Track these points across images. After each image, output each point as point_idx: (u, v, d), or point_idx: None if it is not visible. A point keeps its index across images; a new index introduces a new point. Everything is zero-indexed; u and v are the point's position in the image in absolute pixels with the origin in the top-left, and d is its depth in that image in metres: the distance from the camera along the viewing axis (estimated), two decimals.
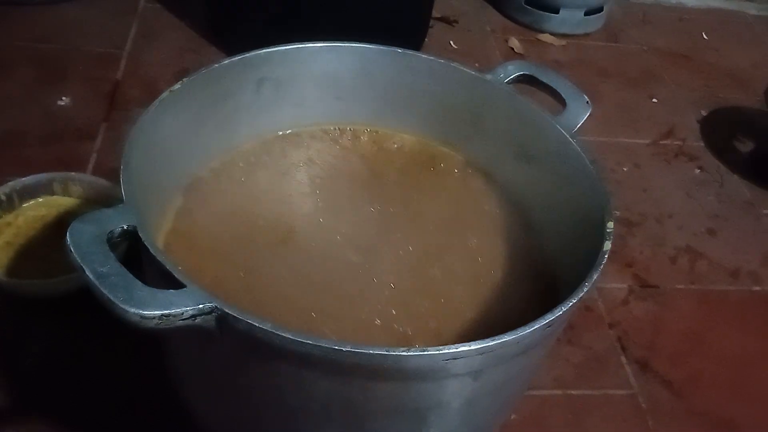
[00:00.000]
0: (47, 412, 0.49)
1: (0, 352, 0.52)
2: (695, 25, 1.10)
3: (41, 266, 0.55)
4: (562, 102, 0.45)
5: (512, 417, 0.54)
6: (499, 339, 0.31)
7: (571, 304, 0.33)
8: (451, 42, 0.94)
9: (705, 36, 1.08)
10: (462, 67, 0.46)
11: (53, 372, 0.52)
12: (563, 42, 0.99)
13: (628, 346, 0.62)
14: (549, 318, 0.32)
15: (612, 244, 0.70)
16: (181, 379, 0.40)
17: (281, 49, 0.44)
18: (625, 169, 0.81)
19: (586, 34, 1.02)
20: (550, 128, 0.44)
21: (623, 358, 0.61)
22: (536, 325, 0.31)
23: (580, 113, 0.44)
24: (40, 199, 0.60)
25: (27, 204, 0.59)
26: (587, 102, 0.45)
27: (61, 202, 0.60)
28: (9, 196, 0.58)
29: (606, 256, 0.36)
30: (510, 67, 0.46)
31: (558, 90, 0.45)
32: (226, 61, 0.42)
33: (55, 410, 0.49)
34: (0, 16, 0.83)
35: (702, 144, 0.86)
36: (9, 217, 0.58)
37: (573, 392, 0.58)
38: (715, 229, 0.75)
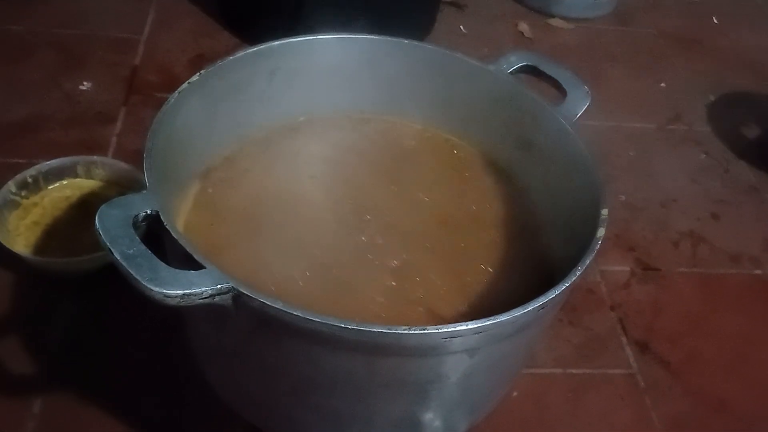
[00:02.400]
0: (73, 383, 0.52)
1: (28, 326, 0.55)
2: (706, 8, 1.10)
3: (66, 245, 0.58)
4: (563, 91, 0.47)
5: (514, 394, 0.57)
6: (494, 319, 0.33)
7: (563, 288, 0.35)
8: (461, 26, 0.96)
9: (715, 20, 1.08)
10: (465, 58, 0.48)
11: (78, 344, 0.55)
12: (572, 26, 0.99)
13: (628, 328, 0.64)
14: (542, 300, 0.34)
15: (615, 228, 0.73)
16: (200, 351, 0.42)
17: (292, 41, 0.46)
18: (631, 153, 0.82)
19: (596, 18, 1.02)
20: (550, 117, 0.45)
21: (623, 339, 0.63)
22: (529, 307, 0.34)
23: (580, 103, 0.46)
24: (65, 182, 0.63)
25: (52, 186, 0.62)
26: (587, 92, 0.46)
27: (84, 184, 0.63)
28: (35, 179, 0.61)
29: (599, 242, 0.38)
30: (512, 58, 0.48)
31: (559, 80, 0.47)
32: (240, 54, 0.44)
33: (80, 381, 0.52)
34: (23, 2, 0.85)
35: (709, 129, 0.87)
36: (35, 198, 0.61)
37: (573, 371, 0.60)
38: (719, 214, 0.77)
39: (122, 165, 0.63)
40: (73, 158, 0.63)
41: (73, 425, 0.50)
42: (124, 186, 0.63)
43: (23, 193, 0.60)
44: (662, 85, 0.93)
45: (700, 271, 0.70)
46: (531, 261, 0.47)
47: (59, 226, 0.60)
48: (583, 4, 1.00)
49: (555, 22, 0.99)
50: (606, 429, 0.57)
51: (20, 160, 0.65)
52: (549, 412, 0.57)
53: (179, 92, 0.41)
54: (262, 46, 0.45)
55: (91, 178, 0.63)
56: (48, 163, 0.62)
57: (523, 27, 0.97)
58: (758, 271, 0.71)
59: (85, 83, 0.77)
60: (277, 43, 0.46)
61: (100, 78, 0.78)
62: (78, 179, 0.63)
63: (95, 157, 0.64)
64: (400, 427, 0.40)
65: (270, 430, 0.42)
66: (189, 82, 0.41)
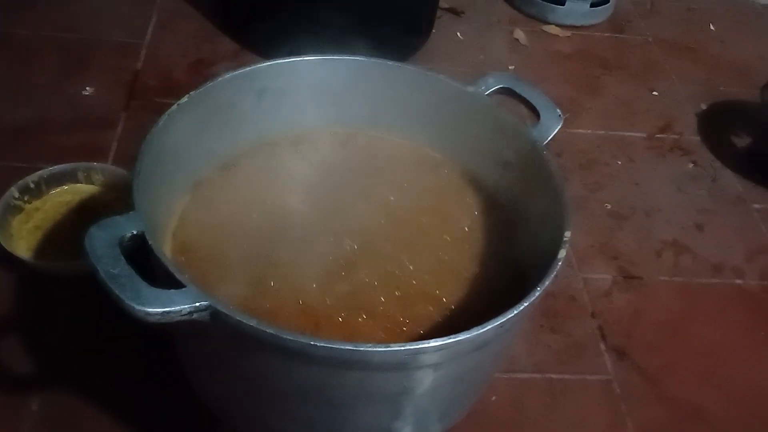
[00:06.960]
0: (70, 383, 0.54)
1: (29, 327, 0.57)
2: (703, 15, 1.11)
3: (66, 248, 0.60)
4: (537, 114, 0.49)
5: (492, 398, 0.59)
6: (454, 338, 0.35)
7: (522, 307, 0.37)
8: (458, 33, 0.97)
9: (712, 27, 1.08)
10: (446, 79, 0.50)
11: (76, 345, 0.57)
12: (569, 33, 1.01)
13: (607, 335, 0.66)
14: (501, 320, 0.36)
15: (600, 236, 0.74)
16: (185, 360, 0.45)
17: (279, 63, 0.48)
18: (619, 162, 0.84)
19: (592, 26, 1.03)
20: (523, 138, 0.47)
21: (602, 346, 0.65)
22: (489, 325, 0.36)
23: (552, 125, 0.48)
24: (66, 187, 0.65)
25: (54, 191, 0.64)
26: (559, 115, 0.48)
27: (84, 189, 0.66)
28: (37, 184, 0.63)
29: (560, 263, 0.40)
30: (490, 80, 0.50)
31: (533, 102, 0.49)
32: (229, 75, 0.46)
33: (78, 381, 0.54)
34: (28, 5, 0.88)
35: (698, 138, 0.88)
36: (37, 203, 0.64)
37: (552, 376, 0.62)
38: (703, 224, 0.78)
39: (121, 171, 0.65)
40: (74, 164, 0.65)
41: (68, 423, 0.52)
42: (121, 191, 0.65)
43: (26, 198, 0.63)
44: (654, 93, 0.94)
45: (682, 280, 0.72)
46: (505, 274, 0.49)
47: (60, 230, 0.63)
48: (579, 12, 1.01)
49: (551, 29, 1.00)
50: None
51: (23, 164, 0.68)
52: (526, 416, 0.59)
53: (168, 114, 0.43)
54: (250, 68, 0.47)
55: (91, 183, 0.66)
56: (50, 168, 0.64)
57: (519, 34, 0.98)
58: (740, 281, 0.72)
59: (87, 88, 0.79)
60: (264, 64, 0.48)
61: (102, 82, 0.80)
62: (78, 184, 0.66)
63: (95, 163, 0.66)
64: None
65: None
66: (178, 104, 0.44)
